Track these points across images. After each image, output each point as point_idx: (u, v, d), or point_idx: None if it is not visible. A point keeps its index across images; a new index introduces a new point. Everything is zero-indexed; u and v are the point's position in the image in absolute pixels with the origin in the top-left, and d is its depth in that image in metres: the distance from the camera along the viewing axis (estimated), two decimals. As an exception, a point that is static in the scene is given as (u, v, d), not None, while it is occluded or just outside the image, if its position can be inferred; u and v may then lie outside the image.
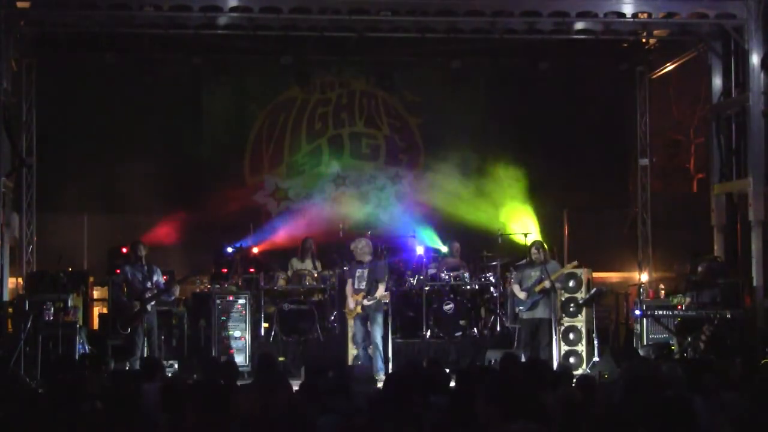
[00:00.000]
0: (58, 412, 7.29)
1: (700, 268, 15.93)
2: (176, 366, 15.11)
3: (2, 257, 15.80)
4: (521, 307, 15.10)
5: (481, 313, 17.46)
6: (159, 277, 14.92)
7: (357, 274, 15.08)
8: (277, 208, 19.75)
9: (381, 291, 14.96)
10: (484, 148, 20.01)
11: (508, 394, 6.58)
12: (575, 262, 15.51)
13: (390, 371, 14.30)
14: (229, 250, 17.78)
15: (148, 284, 14.69)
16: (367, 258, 15.12)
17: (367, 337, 15.02)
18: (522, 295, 15.02)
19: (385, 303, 15.14)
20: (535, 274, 15.00)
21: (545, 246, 15.57)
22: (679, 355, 14.90)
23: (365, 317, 14.97)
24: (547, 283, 14.81)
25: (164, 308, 15.66)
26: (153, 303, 14.71)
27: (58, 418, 7.17)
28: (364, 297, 14.90)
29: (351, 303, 15.02)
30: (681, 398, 6.87)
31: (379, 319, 14.97)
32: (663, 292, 16.70)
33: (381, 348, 14.89)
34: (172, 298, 15.32)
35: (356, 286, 15.06)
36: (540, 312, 14.92)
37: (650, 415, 6.69)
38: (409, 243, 18.17)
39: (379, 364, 14.72)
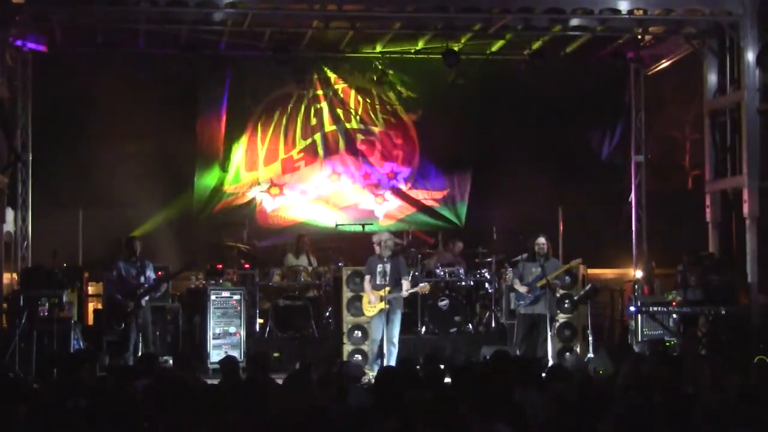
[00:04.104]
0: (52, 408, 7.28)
1: (695, 265, 15.98)
2: (171, 362, 15.07)
3: (-3, 253, 15.82)
4: (521, 302, 15.00)
5: (476, 309, 17.49)
6: (151, 273, 15.00)
7: (378, 269, 14.71)
8: (272, 204, 19.73)
9: (407, 285, 14.59)
10: (480, 145, 20.03)
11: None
12: (579, 260, 15.45)
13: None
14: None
15: (142, 279, 14.76)
16: (388, 253, 14.72)
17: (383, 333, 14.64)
18: (523, 289, 14.90)
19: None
20: (536, 270, 14.90)
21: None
22: (676, 352, 14.91)
23: (386, 313, 14.51)
24: (545, 281, 14.77)
25: (159, 304, 15.71)
26: (146, 299, 14.76)
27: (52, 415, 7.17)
28: (390, 291, 14.49)
29: (374, 298, 14.63)
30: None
31: (400, 316, 14.72)
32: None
33: (397, 346, 14.64)
34: (158, 294, 15.36)
35: (378, 282, 14.67)
36: (540, 308, 14.84)
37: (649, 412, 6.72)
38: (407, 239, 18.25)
39: (392, 362, 14.35)
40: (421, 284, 15.08)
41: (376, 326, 14.72)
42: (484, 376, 8.31)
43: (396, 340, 14.62)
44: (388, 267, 14.67)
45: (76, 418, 7.03)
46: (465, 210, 19.98)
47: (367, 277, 14.81)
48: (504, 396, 6.97)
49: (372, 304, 14.71)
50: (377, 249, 14.79)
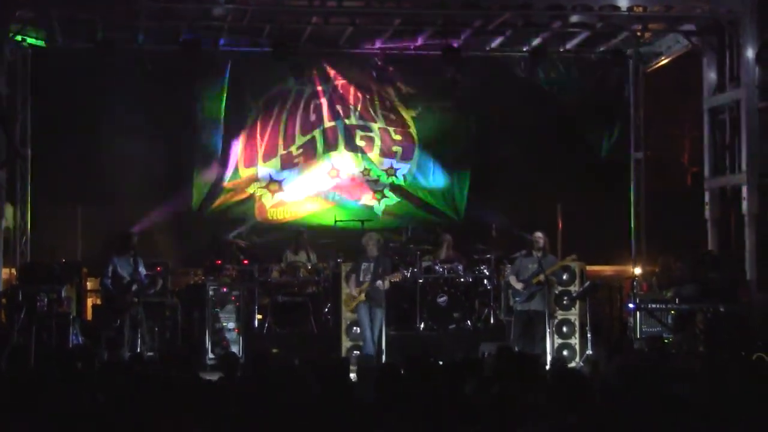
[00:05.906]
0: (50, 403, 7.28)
1: (681, 263, 15.99)
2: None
3: (-4, 248, 15.82)
4: (517, 298, 15.05)
5: (475, 305, 17.46)
6: (142, 269, 15.06)
7: (363, 267, 15.00)
8: (271, 200, 19.72)
9: (388, 282, 14.87)
10: (479, 141, 20.02)
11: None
12: (573, 256, 15.48)
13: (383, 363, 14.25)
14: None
15: (136, 275, 14.81)
16: (375, 253, 15.03)
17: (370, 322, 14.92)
18: (519, 285, 14.97)
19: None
20: (532, 266, 14.95)
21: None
22: (675, 349, 14.92)
23: (369, 306, 14.87)
24: (541, 277, 14.80)
25: (157, 300, 15.71)
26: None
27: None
28: (370, 285, 14.79)
29: (354, 290, 14.94)
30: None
31: (380, 315, 14.88)
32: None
33: (376, 341, 14.83)
34: (152, 291, 15.38)
35: (361, 279, 14.96)
36: (535, 304, 14.89)
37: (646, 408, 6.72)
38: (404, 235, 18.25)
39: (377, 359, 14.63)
40: (395, 273, 15.24)
41: (361, 316, 14.94)
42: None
43: (377, 338, 14.82)
44: (372, 266, 14.93)
45: (74, 413, 7.03)
46: (464, 206, 19.96)
47: (353, 276, 15.10)
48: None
49: (353, 295, 14.99)
50: (366, 249, 15.07)
